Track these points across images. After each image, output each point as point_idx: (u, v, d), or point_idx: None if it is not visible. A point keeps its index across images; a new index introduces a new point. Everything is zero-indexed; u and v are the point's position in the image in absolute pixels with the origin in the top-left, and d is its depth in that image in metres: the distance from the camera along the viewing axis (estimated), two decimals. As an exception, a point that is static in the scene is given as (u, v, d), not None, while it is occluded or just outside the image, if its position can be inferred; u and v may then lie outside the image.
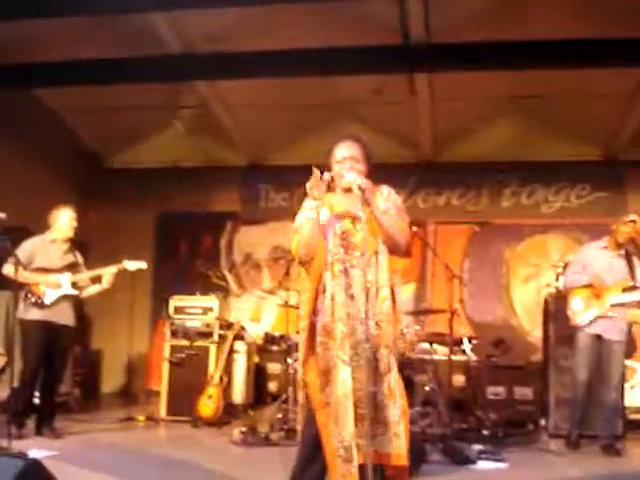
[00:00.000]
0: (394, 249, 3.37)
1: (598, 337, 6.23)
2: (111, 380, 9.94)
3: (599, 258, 6.40)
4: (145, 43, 7.25)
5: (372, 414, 3.12)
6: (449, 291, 6.78)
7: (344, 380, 3.15)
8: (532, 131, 9.05)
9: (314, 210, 3.36)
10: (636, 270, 6.24)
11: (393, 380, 3.22)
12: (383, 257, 3.32)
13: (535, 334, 8.66)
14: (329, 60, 7.14)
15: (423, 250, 9.28)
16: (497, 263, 9.58)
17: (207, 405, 7.23)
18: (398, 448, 3.18)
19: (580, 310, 6.33)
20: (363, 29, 6.95)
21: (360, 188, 3.19)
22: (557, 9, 6.65)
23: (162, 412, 7.62)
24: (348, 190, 3.33)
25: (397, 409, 3.19)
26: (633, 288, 6.17)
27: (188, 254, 10.38)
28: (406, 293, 9.45)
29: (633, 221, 6.26)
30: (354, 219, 3.33)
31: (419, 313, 7.96)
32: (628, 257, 6.31)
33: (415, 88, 7.98)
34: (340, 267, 3.27)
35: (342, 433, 3.12)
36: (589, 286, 6.31)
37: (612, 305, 6.18)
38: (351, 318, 3.20)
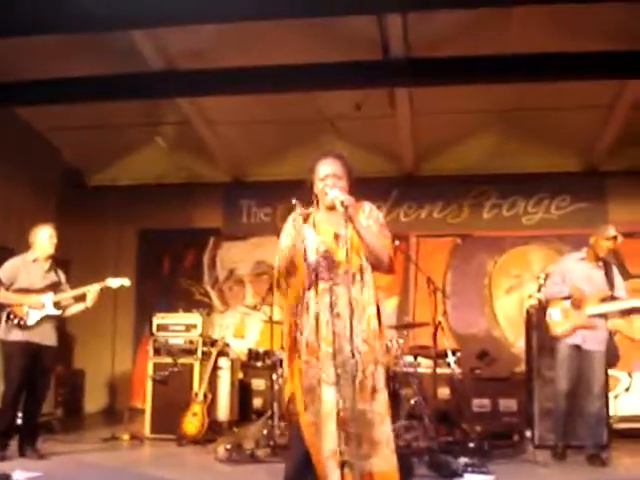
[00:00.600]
0: (377, 265, 3.38)
1: (578, 347, 6.26)
2: (94, 399, 9.86)
3: (578, 269, 6.42)
4: (127, 60, 7.24)
5: (362, 433, 3.11)
6: (432, 304, 6.78)
7: (327, 400, 3.14)
8: (512, 143, 9.14)
9: (291, 233, 3.39)
10: (615, 281, 6.27)
11: (383, 397, 3.21)
12: (368, 274, 3.33)
13: (518, 345, 8.69)
14: (310, 75, 7.16)
15: (405, 263, 9.31)
16: (479, 275, 9.63)
17: (192, 422, 7.18)
18: (391, 465, 3.19)
19: (559, 321, 6.37)
20: (343, 44, 7.00)
21: (343, 205, 3.20)
22: (535, 23, 6.73)
23: (146, 430, 7.55)
24: (331, 207, 3.34)
25: (387, 426, 3.18)
26: (611, 298, 6.20)
27: (171, 271, 10.35)
28: (389, 307, 9.47)
29: (615, 237, 6.25)
30: (337, 236, 3.34)
31: (403, 327, 7.96)
32: (607, 267, 6.35)
33: (395, 101, 8.03)
34: (324, 285, 3.26)
35: (322, 451, 3.12)
36: (568, 297, 6.35)
37: (590, 316, 6.20)
38: (337, 336, 3.19)
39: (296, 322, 3.31)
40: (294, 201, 3.39)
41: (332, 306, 3.24)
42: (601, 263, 6.35)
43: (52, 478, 5.19)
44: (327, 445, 3.10)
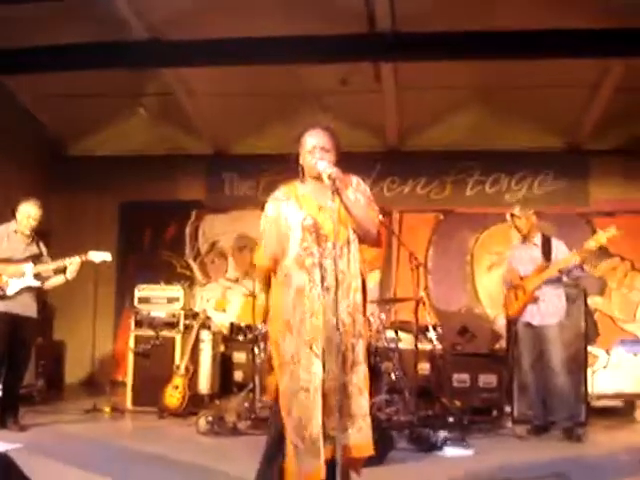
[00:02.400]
0: (365, 238, 3.37)
1: (530, 325, 6.39)
2: (75, 371, 9.83)
3: (518, 253, 6.71)
4: (109, 29, 7.16)
5: (342, 405, 3.11)
6: (414, 279, 6.81)
7: (315, 373, 3.15)
8: (496, 120, 9.14)
9: (274, 211, 3.37)
10: (552, 252, 6.39)
11: (362, 371, 3.23)
12: (354, 247, 3.32)
13: (499, 322, 8.75)
14: (295, 48, 7.11)
15: (388, 238, 9.31)
16: (461, 251, 9.66)
17: (173, 395, 7.19)
18: (366, 438, 3.19)
19: (511, 303, 6.59)
20: (329, 18, 6.95)
21: (330, 177, 3.17)
22: (522, 0, 6.71)
23: (128, 403, 7.57)
24: (318, 179, 3.33)
25: (365, 400, 3.20)
26: (545, 268, 6.32)
27: (152, 243, 10.29)
28: (371, 281, 9.48)
29: (512, 215, 6.59)
30: (322, 209, 3.33)
31: (384, 302, 8.00)
32: (544, 243, 6.48)
33: (380, 76, 8.00)
34: (312, 260, 3.25)
35: (309, 426, 3.12)
36: (518, 281, 6.54)
37: (534, 290, 6.33)
38: (326, 310, 3.19)
39: (282, 297, 3.29)
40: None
41: (322, 280, 3.22)
42: (536, 240, 6.52)
43: (33, 449, 5.17)
44: (318, 419, 3.11)
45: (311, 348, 3.18)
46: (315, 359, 3.16)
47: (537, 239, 6.52)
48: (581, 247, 6.22)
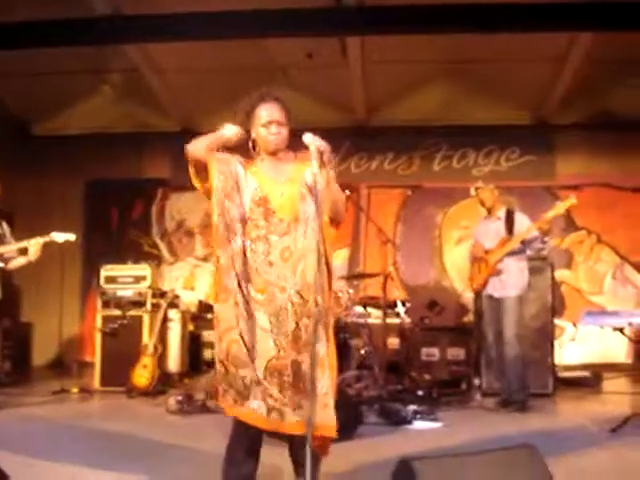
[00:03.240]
0: (335, 218, 3.31)
1: (492, 297, 6.45)
2: (42, 352, 9.75)
3: (482, 228, 6.76)
4: (72, 5, 7.01)
5: (296, 383, 3.09)
6: (382, 255, 6.83)
7: (255, 332, 3.12)
8: (463, 95, 9.15)
9: (234, 157, 3.29)
10: (515, 225, 6.44)
11: (322, 351, 3.13)
12: (306, 224, 3.21)
13: (467, 295, 8.81)
14: (260, 22, 7.03)
15: (356, 214, 9.32)
16: (429, 226, 9.71)
17: (142, 375, 7.15)
18: (327, 419, 3.12)
19: (475, 276, 6.65)
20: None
21: (319, 151, 3.08)
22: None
23: (96, 383, 7.51)
24: (273, 154, 3.28)
25: (326, 380, 3.13)
26: (507, 240, 6.38)
27: (119, 222, 10.21)
28: (339, 258, 9.50)
29: (476, 188, 6.67)
30: (274, 185, 3.25)
31: (353, 277, 8.00)
32: (508, 216, 6.53)
33: (347, 50, 7.95)
34: (258, 232, 3.18)
35: (246, 370, 3.09)
36: (481, 254, 6.59)
37: (496, 262, 6.39)
38: (270, 285, 3.14)
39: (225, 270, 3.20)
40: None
41: (265, 254, 3.16)
42: (500, 214, 6.56)
43: (1, 431, 5.12)
44: (254, 372, 3.08)
45: (247, 309, 3.12)
46: (262, 332, 3.12)
47: (501, 213, 6.56)
48: (541, 217, 6.28)
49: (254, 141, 3.31)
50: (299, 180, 3.27)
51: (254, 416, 3.10)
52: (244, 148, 3.34)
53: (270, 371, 3.10)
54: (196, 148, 3.24)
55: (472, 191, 6.70)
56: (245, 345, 3.11)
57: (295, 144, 3.28)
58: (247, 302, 3.14)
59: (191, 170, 3.29)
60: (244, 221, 3.20)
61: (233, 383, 3.12)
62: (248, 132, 3.31)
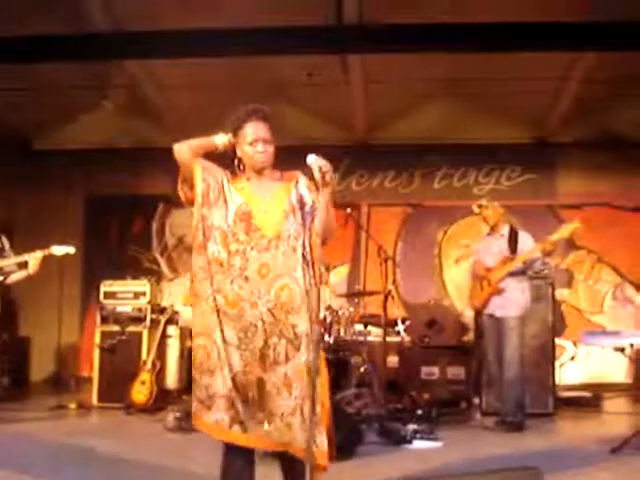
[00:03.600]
0: (326, 239, 3.29)
1: (493, 317, 6.43)
2: (41, 368, 9.70)
3: (485, 245, 6.75)
4: (73, 21, 7.03)
5: (259, 400, 3.08)
6: (382, 273, 6.80)
7: (220, 346, 3.10)
8: (464, 114, 9.15)
9: (221, 170, 3.30)
10: (518, 245, 6.43)
11: (291, 370, 3.09)
12: (288, 243, 3.18)
13: (467, 314, 8.77)
14: (261, 40, 7.03)
15: (357, 232, 9.31)
16: (429, 244, 9.69)
17: (140, 391, 7.12)
18: (285, 438, 3.07)
19: (477, 294, 6.65)
20: (296, 9, 6.87)
21: (321, 171, 3.08)
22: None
23: (94, 399, 7.47)
24: (258, 172, 3.27)
25: (291, 401, 3.07)
26: (510, 260, 6.37)
27: (119, 238, 10.19)
28: (339, 275, 9.48)
29: (480, 206, 6.65)
30: (259, 202, 3.23)
31: (353, 295, 7.98)
32: (511, 235, 6.52)
33: (348, 68, 7.97)
34: (237, 247, 3.15)
35: (212, 380, 3.10)
36: (483, 272, 6.58)
37: (497, 281, 6.38)
38: (242, 300, 3.11)
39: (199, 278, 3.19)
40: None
41: (242, 269, 3.13)
42: (504, 232, 6.56)
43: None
44: (219, 383, 3.08)
45: (217, 319, 3.12)
46: (219, 334, 3.10)
47: (504, 230, 6.55)
48: (545, 239, 6.26)
49: (239, 159, 3.31)
50: (284, 198, 3.25)
51: (216, 428, 3.09)
52: (227, 163, 3.34)
53: (235, 385, 3.08)
54: (182, 149, 3.27)
55: (475, 208, 6.68)
56: (210, 353, 3.11)
57: (292, 160, 3.27)
58: (217, 312, 3.12)
59: (179, 178, 3.31)
60: (224, 231, 3.18)
61: (197, 392, 3.13)
62: (234, 148, 3.31)
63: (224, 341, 3.09)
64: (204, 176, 3.23)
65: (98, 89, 8.97)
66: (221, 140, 3.31)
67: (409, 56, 7.54)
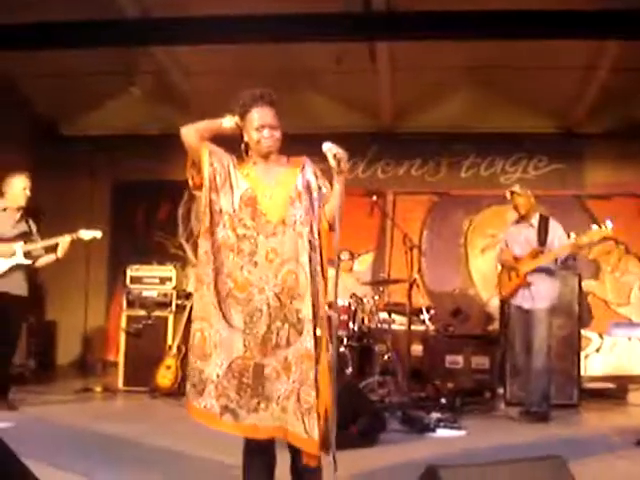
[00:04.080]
0: (332, 224, 3.24)
1: (521, 308, 6.38)
2: (67, 351, 9.80)
3: (515, 232, 6.66)
4: (101, 7, 7.05)
5: (255, 386, 3.06)
6: (408, 261, 6.79)
7: (219, 330, 3.10)
8: (491, 102, 9.08)
9: (228, 155, 3.29)
10: (549, 236, 6.36)
11: (292, 355, 3.09)
12: (294, 228, 3.18)
13: (492, 304, 8.75)
14: (289, 27, 7.02)
15: (382, 220, 9.28)
16: (455, 233, 9.64)
17: (165, 376, 7.18)
18: (278, 422, 3.07)
19: (505, 283, 6.59)
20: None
21: (336, 158, 3.08)
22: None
23: (119, 383, 7.55)
24: (265, 157, 3.26)
25: (288, 384, 3.07)
26: (540, 252, 6.30)
27: (145, 223, 10.24)
28: (364, 263, 9.47)
29: (512, 192, 6.54)
30: (265, 188, 3.23)
31: (378, 283, 7.98)
32: (541, 224, 6.44)
33: (375, 56, 7.93)
34: (244, 231, 3.16)
35: (205, 364, 3.10)
36: (511, 261, 6.52)
37: (526, 274, 6.31)
38: (251, 285, 3.11)
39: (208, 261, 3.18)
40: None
41: (251, 254, 3.14)
42: (534, 221, 6.48)
43: (24, 429, 5.16)
44: (211, 368, 3.09)
45: (220, 305, 3.12)
46: (222, 319, 3.10)
47: (534, 220, 6.48)
48: (577, 239, 6.17)
49: (246, 144, 3.30)
50: (289, 184, 3.24)
51: (207, 415, 3.10)
52: (235, 147, 3.33)
53: (232, 370, 3.07)
54: (189, 132, 3.26)
55: (507, 194, 6.60)
56: (206, 338, 3.12)
57: (318, 147, 3.25)
58: (219, 296, 3.12)
59: (188, 162, 3.31)
60: (231, 216, 3.18)
61: (190, 375, 3.15)
62: (241, 131, 3.30)
63: (230, 325, 3.10)
64: (211, 160, 3.23)
65: (125, 75, 9.00)
66: (228, 123, 3.30)
67: (436, 44, 7.51)
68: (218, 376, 3.08)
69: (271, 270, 3.12)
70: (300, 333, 3.11)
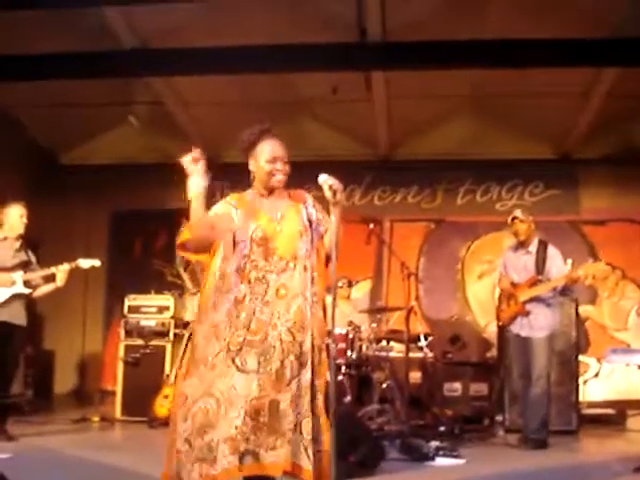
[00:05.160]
0: (330, 257, 3.24)
1: (519, 335, 6.36)
2: (64, 380, 9.77)
3: (512, 258, 6.62)
4: (100, 38, 7.13)
5: (271, 423, 3.05)
6: (405, 288, 6.80)
7: (233, 386, 3.07)
8: (486, 129, 9.15)
9: (228, 205, 3.32)
10: (547, 263, 6.33)
11: (295, 387, 3.10)
12: (304, 263, 3.22)
13: (490, 330, 8.75)
14: (285, 57, 7.10)
15: (379, 248, 9.31)
16: (452, 260, 9.65)
17: (163, 405, 7.15)
18: (293, 457, 3.06)
19: (503, 310, 6.58)
20: (320, 26, 6.95)
21: (331, 189, 3.12)
22: (512, 9, 6.74)
23: (117, 413, 7.52)
24: (271, 190, 3.31)
25: (292, 417, 3.07)
26: (537, 281, 6.29)
27: (143, 252, 10.25)
28: (361, 290, 9.48)
29: (514, 218, 6.47)
30: (272, 221, 3.27)
31: (376, 311, 7.98)
32: (540, 251, 6.41)
33: (371, 85, 8.00)
34: (257, 274, 3.18)
35: (209, 434, 3.04)
36: (509, 288, 6.50)
37: (524, 302, 6.30)
38: (264, 325, 3.12)
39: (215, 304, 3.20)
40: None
41: (263, 294, 3.15)
42: (532, 248, 6.45)
43: (22, 459, 5.13)
44: (223, 430, 3.03)
45: (233, 361, 3.10)
46: (236, 372, 3.08)
47: (533, 247, 6.45)
48: (572, 272, 6.17)
49: (254, 176, 3.37)
50: (295, 218, 3.29)
51: (227, 473, 3.02)
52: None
53: (249, 412, 3.04)
54: (195, 239, 3.33)
55: (509, 220, 6.53)
56: (208, 410, 3.06)
57: (314, 175, 3.26)
58: (232, 353, 3.10)
59: (192, 256, 3.42)
60: (240, 267, 3.19)
61: (193, 455, 3.05)
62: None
63: (244, 371, 3.08)
64: (221, 238, 3.27)
65: (123, 105, 9.08)
66: (197, 184, 3.38)
67: (431, 73, 7.57)
68: (237, 427, 3.03)
69: (282, 306, 3.15)
70: (303, 365, 3.13)
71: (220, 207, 3.34)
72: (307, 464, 3.02)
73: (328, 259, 3.27)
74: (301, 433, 3.06)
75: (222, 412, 3.05)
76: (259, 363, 3.09)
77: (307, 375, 3.11)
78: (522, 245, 6.52)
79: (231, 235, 3.26)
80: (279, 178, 3.28)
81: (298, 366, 3.12)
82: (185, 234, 3.32)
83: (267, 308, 3.14)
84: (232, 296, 3.17)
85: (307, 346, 3.14)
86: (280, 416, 3.06)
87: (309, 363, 3.13)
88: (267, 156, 3.29)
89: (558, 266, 6.30)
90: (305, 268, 3.21)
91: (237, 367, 3.09)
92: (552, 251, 6.41)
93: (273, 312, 3.13)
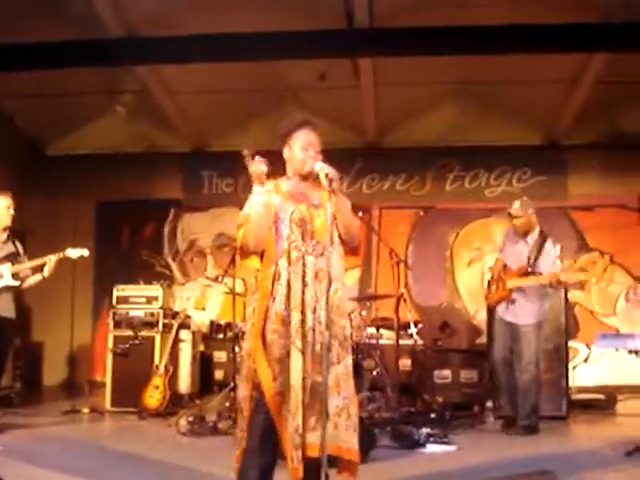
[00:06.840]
0: (348, 243, 3.39)
1: (505, 321, 6.36)
2: (53, 372, 9.75)
3: (510, 242, 6.59)
4: (86, 27, 7.07)
5: (313, 404, 3.12)
6: (394, 276, 6.79)
7: (298, 369, 3.12)
8: (475, 116, 9.15)
9: (265, 194, 3.30)
10: (541, 257, 6.29)
11: (340, 371, 3.21)
12: (337, 251, 3.32)
13: (479, 317, 8.76)
14: (272, 44, 7.05)
15: (368, 235, 9.29)
16: (441, 247, 9.67)
17: (153, 396, 7.12)
18: (339, 441, 3.17)
19: (491, 291, 6.62)
20: (307, 13, 6.93)
21: (327, 177, 3.15)
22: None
23: (107, 404, 7.48)
24: (305, 177, 3.33)
25: (339, 401, 3.17)
26: (529, 273, 6.26)
27: (130, 242, 10.22)
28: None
29: (509, 214, 6.40)
30: (310, 206, 3.33)
31: (365, 299, 7.98)
32: (539, 242, 6.35)
33: (359, 72, 7.97)
34: (297, 254, 3.24)
35: (295, 421, 3.09)
36: (501, 272, 6.50)
37: (511, 289, 6.30)
38: (305, 306, 3.18)
39: (271, 291, 3.23)
40: (245, 152, 3.30)
41: (303, 275, 3.21)
42: (530, 239, 6.38)
43: (12, 452, 5.11)
44: (298, 416, 3.09)
45: (295, 344, 3.16)
46: (299, 355, 3.14)
47: (532, 237, 6.37)
48: (555, 274, 6.09)
49: (287, 162, 3.41)
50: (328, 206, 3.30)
51: (297, 466, 3.09)
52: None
53: (296, 391, 3.12)
54: (254, 242, 3.26)
55: (511, 211, 6.41)
56: (290, 393, 3.13)
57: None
58: (287, 326, 3.19)
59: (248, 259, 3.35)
60: (285, 251, 3.25)
61: (292, 443, 3.11)
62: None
63: (295, 349, 3.15)
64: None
65: (109, 95, 9.02)
66: (258, 166, 3.29)
67: (419, 59, 7.54)
68: (301, 407, 3.12)
69: (321, 290, 3.20)
70: (347, 350, 3.29)
71: (260, 198, 3.29)
72: (354, 445, 3.19)
73: (344, 244, 3.41)
74: (349, 417, 3.19)
75: (297, 399, 3.13)
76: (303, 344, 3.17)
77: (349, 360, 3.26)
78: (518, 234, 6.46)
79: (273, 220, 3.31)
80: (311, 164, 3.30)
81: (342, 351, 3.25)
82: (248, 240, 3.27)
83: (307, 289, 3.22)
84: (284, 281, 3.23)
85: (349, 331, 3.32)
86: (318, 397, 3.12)
87: (351, 349, 3.31)
88: (301, 142, 3.35)
89: (547, 265, 6.24)
90: (340, 254, 3.34)
91: (298, 349, 3.16)
92: (549, 247, 6.34)
93: (312, 295, 3.21)
